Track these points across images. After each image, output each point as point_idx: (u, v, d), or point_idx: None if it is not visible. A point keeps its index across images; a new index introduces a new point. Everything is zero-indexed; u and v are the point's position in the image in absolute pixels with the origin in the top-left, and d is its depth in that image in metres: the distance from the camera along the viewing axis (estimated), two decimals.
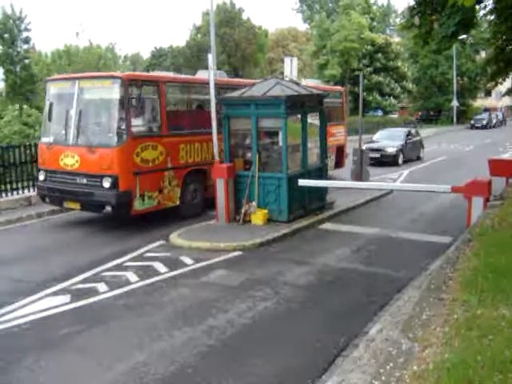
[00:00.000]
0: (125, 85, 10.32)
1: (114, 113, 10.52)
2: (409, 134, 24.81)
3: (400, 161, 22.85)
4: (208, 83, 11.56)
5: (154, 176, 10.96)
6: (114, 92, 10.45)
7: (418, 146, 25.20)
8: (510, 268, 5.53)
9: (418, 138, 25.57)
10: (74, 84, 10.98)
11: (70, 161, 10.78)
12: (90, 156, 10.50)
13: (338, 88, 22.17)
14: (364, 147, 21.84)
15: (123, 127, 10.38)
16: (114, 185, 10.26)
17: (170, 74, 13.70)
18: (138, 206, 10.59)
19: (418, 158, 24.68)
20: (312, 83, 17.05)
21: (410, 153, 24.02)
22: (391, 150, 22.67)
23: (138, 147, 10.55)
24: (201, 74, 13.69)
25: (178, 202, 11.58)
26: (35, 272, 8.34)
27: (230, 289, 7.53)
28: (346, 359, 5.16)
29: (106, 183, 10.29)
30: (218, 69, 33.34)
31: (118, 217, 11.18)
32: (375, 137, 25.41)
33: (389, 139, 23.73)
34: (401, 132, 25.16)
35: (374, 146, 23.13)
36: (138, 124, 10.79)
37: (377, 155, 22.17)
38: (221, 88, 12.79)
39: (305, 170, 11.69)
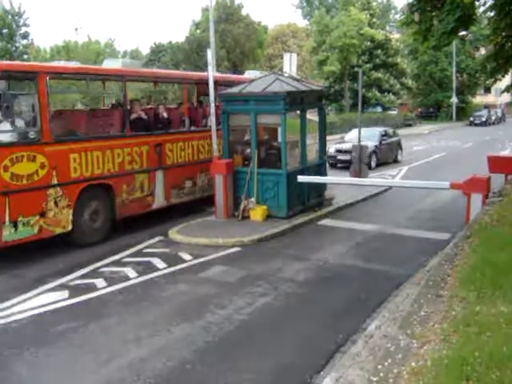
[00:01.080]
0: None
1: None
2: (385, 134, 22.28)
3: (373, 164, 19.97)
4: (118, 75, 10.32)
5: (32, 196, 8.61)
6: None
7: (396, 148, 22.64)
8: (508, 265, 5.54)
9: (395, 138, 22.92)
10: None
11: None
12: None
13: None
14: (333, 148, 20.09)
15: None
16: None
17: (58, 63, 11.17)
18: (8, 236, 8.30)
19: (396, 161, 22.17)
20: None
21: (386, 155, 21.48)
22: None
23: (6, 159, 8.24)
24: (109, 64, 11.61)
25: (69, 227, 9.22)
26: (34, 267, 8.35)
27: (229, 285, 7.53)
28: (344, 355, 5.16)
29: None
30: (218, 65, 33.09)
31: None
32: (347, 137, 22.20)
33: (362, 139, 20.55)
34: (375, 132, 22.16)
35: (343, 146, 20.15)
36: (5, 129, 8.41)
37: (346, 157, 19.26)
38: (133, 81, 11.76)
39: (304, 166, 11.68)
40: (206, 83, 11.72)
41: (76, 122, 10.46)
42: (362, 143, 18.89)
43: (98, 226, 9.88)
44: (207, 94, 14.43)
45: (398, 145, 23.01)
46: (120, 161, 10.16)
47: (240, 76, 16.61)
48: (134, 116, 10.87)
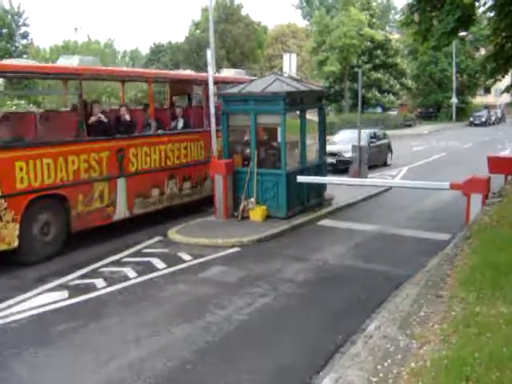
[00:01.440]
0: None
1: None
2: (374, 136, 21.16)
3: None
4: (73, 74, 9.61)
5: None
6: None
7: (385, 151, 21.61)
8: (508, 265, 5.54)
9: (384, 140, 21.92)
10: None
11: None
12: None
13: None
14: None
15: None
16: None
17: (3, 62, 10.21)
18: None
19: (385, 165, 21.16)
20: (235, 74, 14.43)
21: (374, 158, 19.79)
22: (349, 155, 17.85)
23: None
24: (64, 62, 10.28)
25: (15, 244, 8.20)
26: (34, 267, 8.34)
27: (228, 285, 7.53)
28: (343, 356, 5.16)
29: None
30: (217, 65, 33.07)
31: None
32: (334, 138, 21.40)
33: (349, 141, 18.79)
34: (364, 133, 19.44)
35: (330, 149, 18.22)
36: None
37: (332, 160, 18.43)
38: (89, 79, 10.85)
39: (303, 166, 11.68)
40: (180, 82, 11.25)
41: (25, 126, 9.53)
42: (348, 146, 18.13)
43: (49, 240, 8.86)
44: (182, 94, 14.31)
45: (388, 147, 22.11)
46: (75, 168, 9.15)
47: (219, 75, 16.26)
48: (92, 119, 9.92)
